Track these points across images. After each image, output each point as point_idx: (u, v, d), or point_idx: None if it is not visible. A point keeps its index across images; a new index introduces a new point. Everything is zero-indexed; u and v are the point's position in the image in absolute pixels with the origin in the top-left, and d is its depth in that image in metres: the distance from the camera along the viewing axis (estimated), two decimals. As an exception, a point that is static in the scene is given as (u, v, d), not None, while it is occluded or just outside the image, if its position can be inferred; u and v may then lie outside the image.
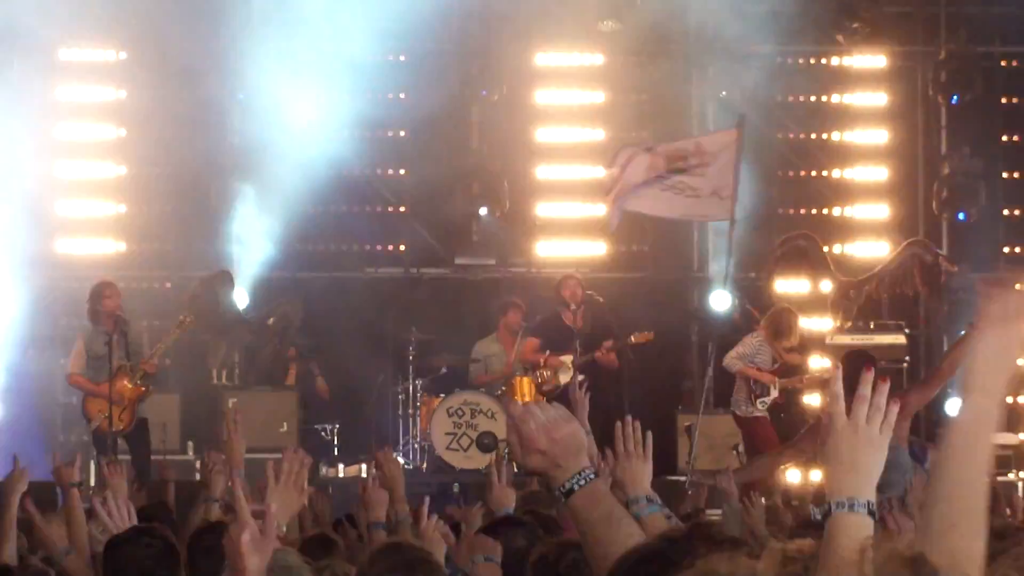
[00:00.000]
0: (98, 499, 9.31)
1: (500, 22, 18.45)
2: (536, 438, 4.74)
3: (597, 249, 20.59)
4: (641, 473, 6.83)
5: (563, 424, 4.77)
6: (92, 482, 16.02)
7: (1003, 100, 21.05)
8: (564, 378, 17.76)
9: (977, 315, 4.20)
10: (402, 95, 19.68)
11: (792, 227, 20.42)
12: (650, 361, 18.47)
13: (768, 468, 14.55)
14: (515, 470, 14.25)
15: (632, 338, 18.09)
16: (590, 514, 4.77)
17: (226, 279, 18.68)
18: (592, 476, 4.77)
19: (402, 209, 20.40)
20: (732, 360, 17.85)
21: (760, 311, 19.67)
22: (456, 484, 15.94)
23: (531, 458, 4.76)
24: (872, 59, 21.07)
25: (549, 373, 17.89)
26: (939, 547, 3.69)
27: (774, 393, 17.42)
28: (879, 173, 20.99)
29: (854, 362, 16.02)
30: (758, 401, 17.30)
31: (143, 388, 16.78)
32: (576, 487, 4.67)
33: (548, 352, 17.95)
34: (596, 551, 4.83)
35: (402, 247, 20.50)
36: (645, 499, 6.59)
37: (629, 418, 6.32)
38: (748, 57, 20.37)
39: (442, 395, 18.05)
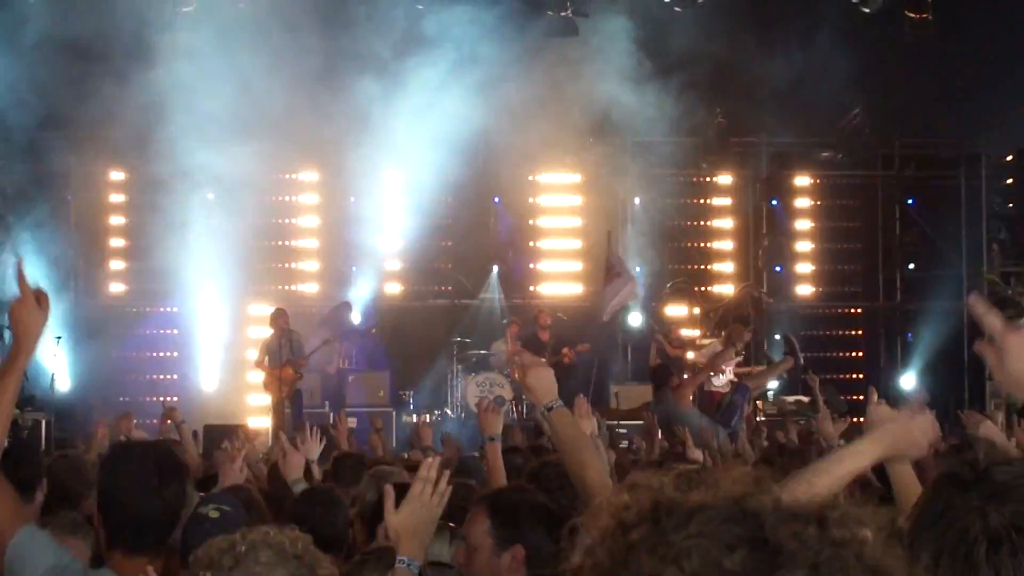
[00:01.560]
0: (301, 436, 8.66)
1: (507, 153, 18.51)
2: (530, 363, 4.92)
3: (566, 290, 20.37)
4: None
5: (543, 367, 5.00)
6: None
7: (796, 205, 20.88)
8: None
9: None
10: (450, 199, 19.62)
11: (676, 275, 20.28)
12: (595, 356, 18.27)
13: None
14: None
15: (578, 348, 17.89)
16: (562, 422, 4.82)
17: (347, 307, 18.63)
18: (561, 404, 4.84)
19: (449, 265, 20.23)
20: (698, 358, 17.59)
21: (658, 325, 19.00)
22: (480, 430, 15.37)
23: (527, 379, 4.87)
24: (723, 178, 20.89)
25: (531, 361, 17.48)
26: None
27: (725, 377, 16.91)
28: (727, 244, 20.90)
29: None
30: (713, 380, 16.85)
31: (299, 376, 16.81)
32: (554, 406, 4.75)
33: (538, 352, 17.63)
34: (564, 446, 4.84)
35: (449, 287, 20.27)
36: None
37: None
38: (653, 176, 20.19)
39: (473, 374, 17.92)
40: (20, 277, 4.20)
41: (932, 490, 2.41)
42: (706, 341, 18.29)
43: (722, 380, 17.01)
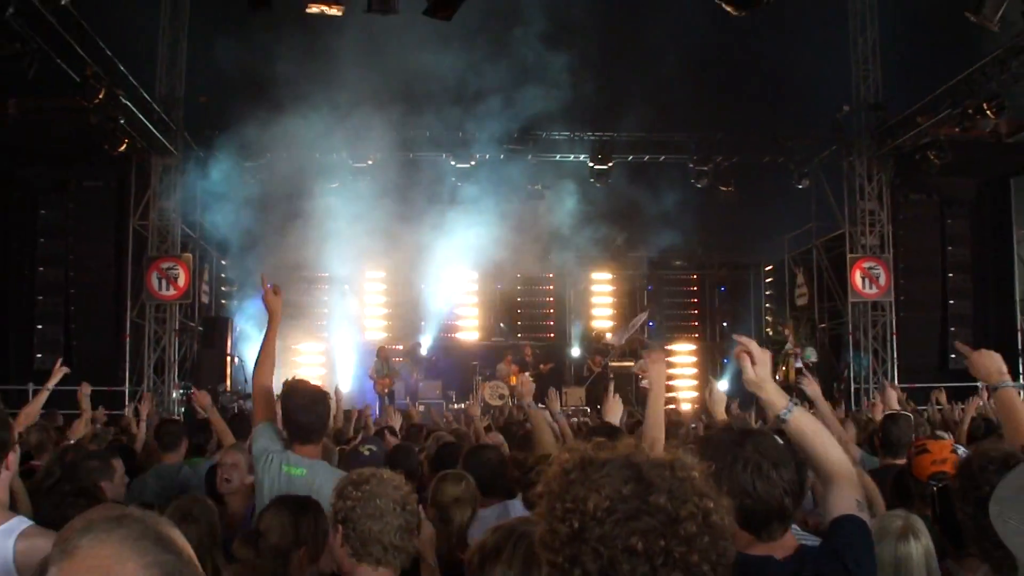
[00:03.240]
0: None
1: (505, 261, 18.00)
2: (525, 385, 5.01)
3: (542, 334, 20.03)
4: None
5: (530, 384, 5.04)
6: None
7: (662, 289, 20.63)
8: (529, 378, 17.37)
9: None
10: (474, 284, 19.38)
11: (595, 328, 19.77)
12: (552, 372, 17.87)
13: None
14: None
15: (549, 365, 17.69)
16: (537, 416, 4.70)
17: (418, 344, 18.32)
18: (532, 404, 4.82)
19: (475, 322, 19.85)
20: (637, 368, 16.36)
21: (587, 354, 18.48)
22: (490, 411, 14.78)
23: (524, 395, 4.93)
24: (603, 275, 20.43)
25: (524, 376, 17.30)
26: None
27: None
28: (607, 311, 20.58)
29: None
30: (643, 382, 16.20)
31: (393, 383, 16.47)
32: (534, 406, 4.75)
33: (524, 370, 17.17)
34: (536, 427, 4.69)
35: (475, 333, 19.83)
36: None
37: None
38: (584, 274, 20.00)
39: (487, 381, 17.37)
40: (263, 280, 4.23)
41: (718, 444, 2.34)
42: (630, 363, 17.66)
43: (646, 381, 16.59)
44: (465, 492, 3.72)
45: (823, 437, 2.29)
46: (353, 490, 2.54)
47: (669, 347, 20.55)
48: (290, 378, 4.03)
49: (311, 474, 3.65)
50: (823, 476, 2.26)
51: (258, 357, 4.12)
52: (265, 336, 4.18)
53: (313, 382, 4.00)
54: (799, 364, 15.84)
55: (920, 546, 2.64)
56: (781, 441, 2.31)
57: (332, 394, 9.59)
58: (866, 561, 2.07)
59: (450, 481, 3.79)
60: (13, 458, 2.82)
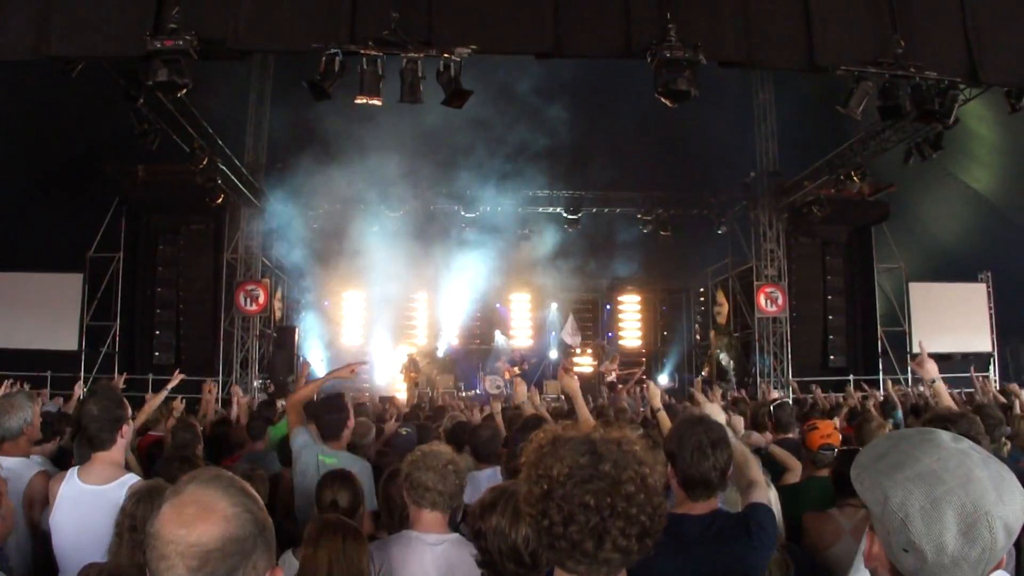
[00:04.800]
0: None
1: (501, 285, 17.95)
2: (519, 382, 4.63)
3: (527, 342, 19.47)
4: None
5: (523, 384, 4.67)
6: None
7: (618, 309, 19.74)
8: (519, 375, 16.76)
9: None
10: (480, 304, 18.86)
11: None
12: (534, 369, 17.53)
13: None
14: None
15: (533, 360, 17.40)
16: (527, 410, 4.34)
17: (436, 349, 17.94)
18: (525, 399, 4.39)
19: (477, 332, 19.33)
20: (607, 368, 16.41)
21: (563, 357, 17.91)
22: (489, 398, 14.42)
23: (518, 390, 4.50)
24: (573, 296, 20.24)
25: (515, 372, 16.83)
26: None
27: (611, 376, 15.84)
28: (587, 324, 20.32)
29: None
30: (608, 378, 15.69)
31: (418, 374, 16.13)
32: (523, 403, 4.36)
33: (515, 368, 17.04)
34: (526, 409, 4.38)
35: (478, 340, 19.24)
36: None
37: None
38: (559, 296, 19.24)
39: (488, 375, 16.94)
40: (351, 367, 3.94)
41: (679, 424, 2.26)
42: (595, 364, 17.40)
43: (611, 377, 16.03)
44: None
45: (749, 457, 2.37)
46: (415, 455, 2.56)
47: (621, 351, 20.28)
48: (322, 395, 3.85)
49: (339, 461, 3.52)
50: (744, 481, 2.30)
51: (303, 387, 3.92)
52: (317, 379, 4.00)
53: (345, 386, 3.83)
54: (727, 365, 15.90)
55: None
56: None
57: (368, 401, 9.00)
58: (769, 527, 2.06)
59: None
60: (127, 430, 2.79)
